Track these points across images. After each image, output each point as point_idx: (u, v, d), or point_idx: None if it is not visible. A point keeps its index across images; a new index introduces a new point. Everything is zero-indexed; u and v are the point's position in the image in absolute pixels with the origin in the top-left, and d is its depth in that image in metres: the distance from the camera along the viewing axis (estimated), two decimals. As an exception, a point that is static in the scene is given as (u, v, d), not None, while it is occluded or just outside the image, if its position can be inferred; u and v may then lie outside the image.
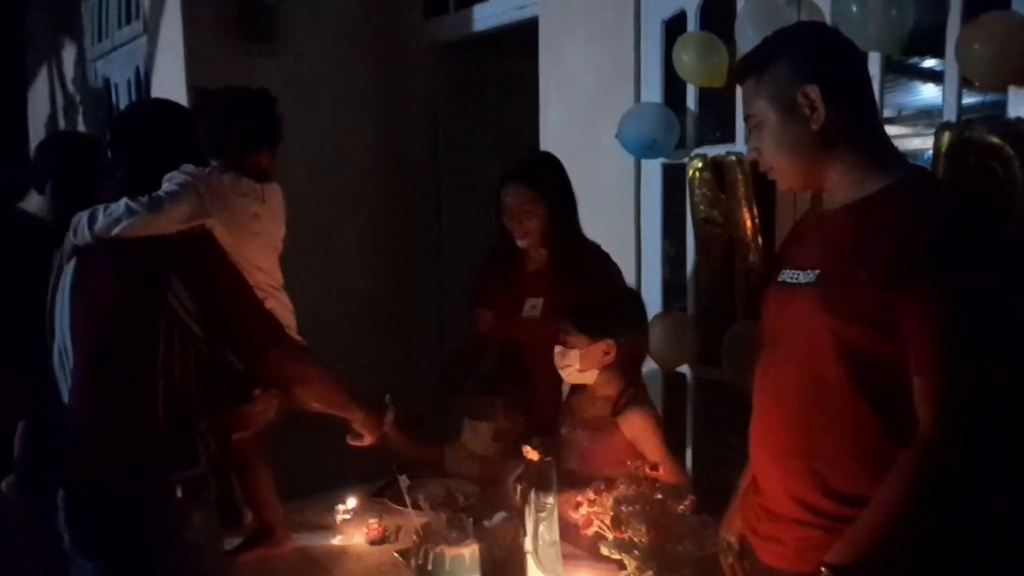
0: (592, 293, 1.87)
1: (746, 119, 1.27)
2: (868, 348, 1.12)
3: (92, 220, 1.44)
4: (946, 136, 1.69)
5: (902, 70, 3.86)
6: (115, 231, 1.41)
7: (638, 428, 1.74)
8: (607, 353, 1.76)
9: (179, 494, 1.40)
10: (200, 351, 1.44)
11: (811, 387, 1.18)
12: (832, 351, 1.15)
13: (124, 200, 1.42)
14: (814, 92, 1.18)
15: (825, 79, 1.18)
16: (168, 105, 1.67)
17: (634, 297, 1.98)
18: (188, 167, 1.51)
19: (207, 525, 1.45)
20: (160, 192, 1.44)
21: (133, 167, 1.52)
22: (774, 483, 1.25)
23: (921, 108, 4.30)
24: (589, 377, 1.80)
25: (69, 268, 1.49)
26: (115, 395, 1.42)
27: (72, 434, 1.46)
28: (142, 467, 1.41)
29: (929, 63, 3.73)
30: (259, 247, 1.85)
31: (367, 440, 1.73)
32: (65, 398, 1.48)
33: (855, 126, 1.21)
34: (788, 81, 1.19)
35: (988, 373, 1.08)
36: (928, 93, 4.03)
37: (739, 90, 2.24)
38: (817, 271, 1.19)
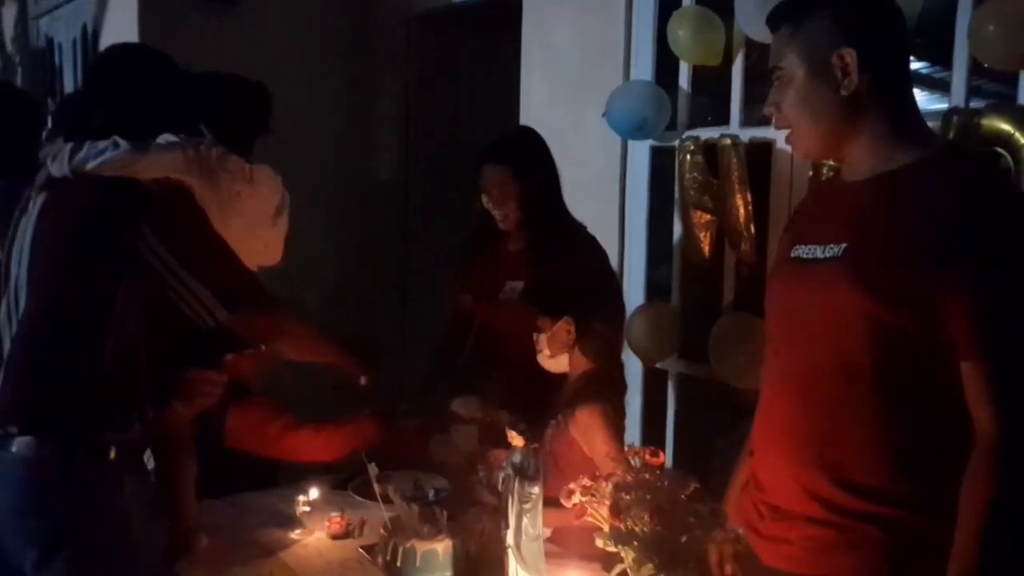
0: (557, 272, 1.82)
1: (771, 70, 1.22)
2: (900, 328, 1.08)
3: (74, 152, 1.41)
4: (954, 122, 1.68)
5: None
6: (93, 164, 1.38)
7: (583, 425, 1.67)
8: (569, 333, 1.71)
9: (112, 456, 1.38)
10: (171, 305, 1.39)
11: (834, 370, 1.14)
12: (860, 330, 1.11)
13: (113, 137, 1.40)
14: (850, 56, 1.14)
15: (864, 44, 1.14)
16: (161, 56, 1.58)
17: (601, 273, 1.92)
18: (169, 136, 1.49)
19: (137, 493, 1.42)
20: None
21: (111, 115, 1.46)
22: (784, 476, 1.20)
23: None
24: (561, 364, 1.76)
25: (37, 202, 1.45)
26: (61, 343, 1.39)
27: (8, 380, 1.41)
28: (76, 423, 1.37)
29: (915, 65, 3.78)
30: (234, 228, 1.78)
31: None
32: (6, 350, 1.44)
33: (886, 96, 1.17)
34: (825, 40, 1.15)
35: None
36: (918, 98, 4.08)
37: (735, 68, 2.28)
38: (844, 245, 1.14)
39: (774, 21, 1.22)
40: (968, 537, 1.05)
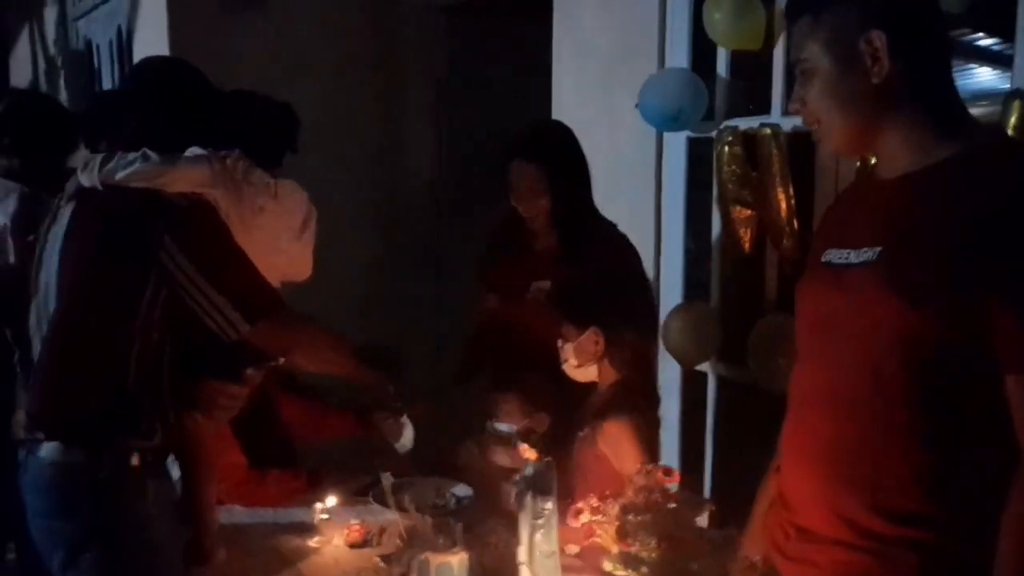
0: (586, 278, 1.77)
1: (796, 63, 1.15)
2: (937, 338, 1.00)
3: (104, 162, 1.45)
4: (1016, 106, 1.55)
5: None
6: (122, 175, 1.42)
7: (612, 439, 1.62)
8: (597, 344, 1.66)
9: (135, 462, 1.43)
10: (194, 317, 1.43)
11: (868, 384, 1.06)
12: (893, 341, 1.03)
13: (143, 149, 1.45)
14: (880, 40, 1.05)
15: (895, 26, 1.06)
16: (193, 70, 1.64)
17: (633, 280, 1.87)
18: (197, 149, 1.54)
19: (160, 497, 1.48)
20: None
21: (142, 126, 1.52)
22: (812, 498, 1.13)
23: (975, 92, 4.15)
24: (590, 373, 1.72)
25: (66, 211, 1.51)
26: (87, 351, 1.45)
27: (36, 386, 1.48)
28: (101, 429, 1.43)
29: (984, 42, 3.58)
30: (257, 242, 1.77)
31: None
32: (36, 355, 1.50)
33: (922, 84, 1.08)
34: (851, 24, 1.07)
35: None
36: (983, 76, 3.88)
37: (776, 53, 2.18)
38: (878, 248, 1.07)
39: (792, 10, 1.15)
40: (1009, 568, 0.97)
